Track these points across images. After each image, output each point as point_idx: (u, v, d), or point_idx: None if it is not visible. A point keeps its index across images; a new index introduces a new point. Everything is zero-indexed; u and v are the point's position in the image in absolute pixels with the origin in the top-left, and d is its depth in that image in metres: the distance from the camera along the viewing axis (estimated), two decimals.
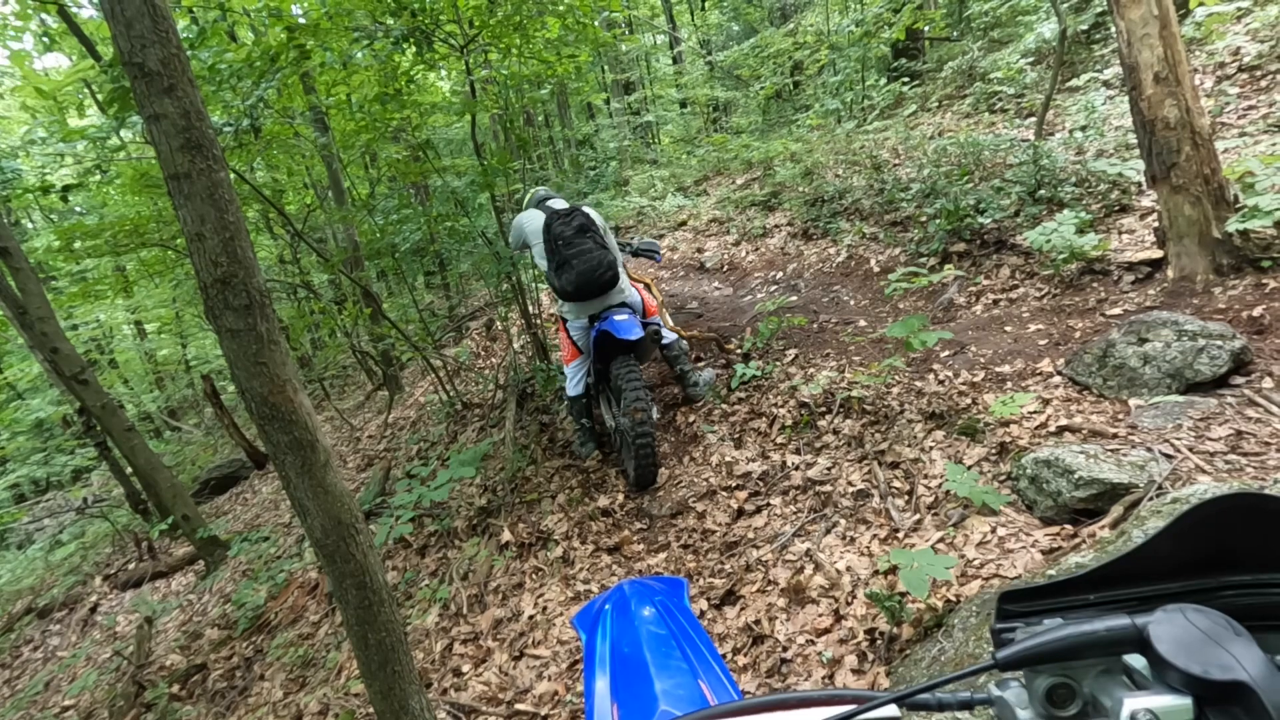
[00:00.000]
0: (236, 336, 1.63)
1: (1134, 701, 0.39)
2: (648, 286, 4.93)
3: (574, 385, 3.72)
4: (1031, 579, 1.89)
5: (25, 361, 9.96)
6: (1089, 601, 0.50)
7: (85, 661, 4.64)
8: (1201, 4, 4.83)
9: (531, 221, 3.61)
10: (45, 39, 6.71)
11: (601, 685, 0.94)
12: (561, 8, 4.40)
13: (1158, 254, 3.38)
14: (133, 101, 3.28)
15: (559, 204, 3.64)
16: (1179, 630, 0.41)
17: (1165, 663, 0.40)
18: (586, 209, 3.55)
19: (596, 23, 5.16)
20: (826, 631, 2.21)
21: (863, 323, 4.22)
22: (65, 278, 9.16)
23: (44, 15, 6.95)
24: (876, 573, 2.31)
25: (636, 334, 3.35)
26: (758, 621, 2.37)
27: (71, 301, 7.42)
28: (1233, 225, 3.00)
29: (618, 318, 3.41)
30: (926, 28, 8.01)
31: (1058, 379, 2.89)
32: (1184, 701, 0.39)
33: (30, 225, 11.84)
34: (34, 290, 4.91)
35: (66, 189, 4.07)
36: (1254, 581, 0.47)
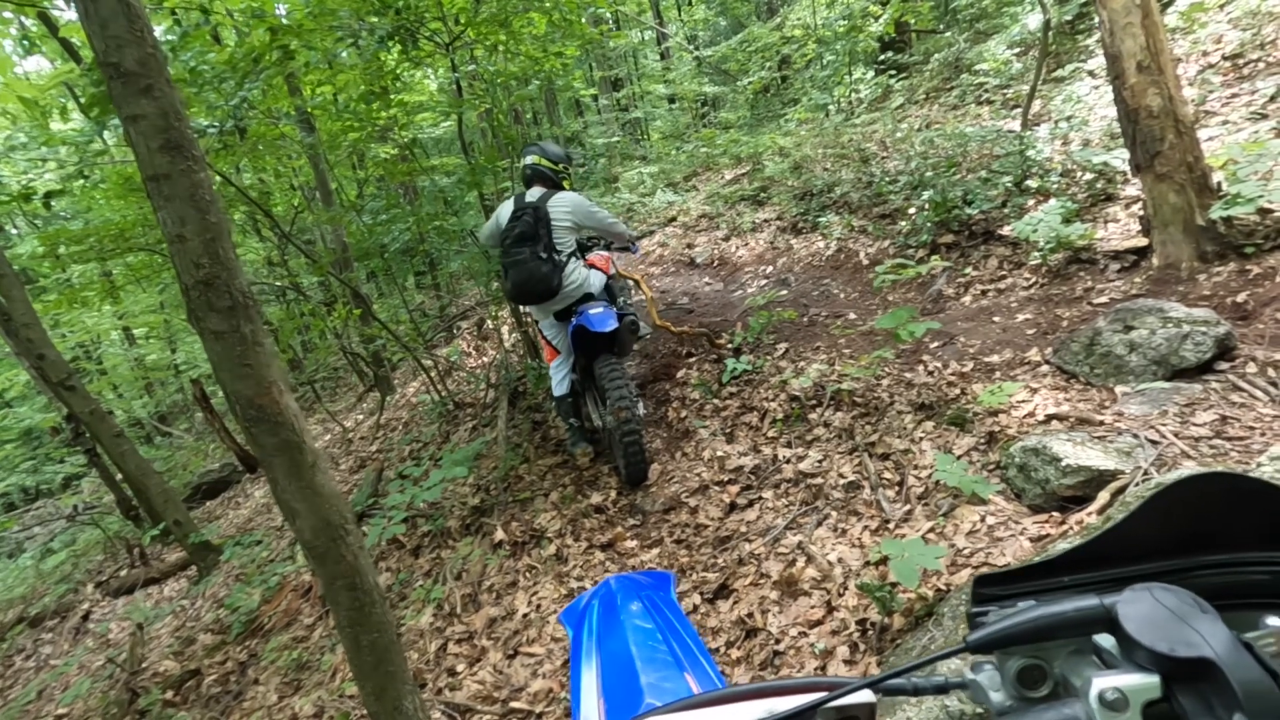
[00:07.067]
0: (220, 339, 1.62)
1: (1102, 680, 0.40)
2: (638, 283, 4.93)
3: (559, 385, 3.69)
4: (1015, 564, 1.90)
5: (13, 370, 9.86)
6: (1063, 584, 0.50)
7: (78, 669, 4.60)
8: None
9: (502, 214, 3.52)
10: (26, 42, 6.64)
11: (588, 680, 0.94)
12: (548, 4, 4.39)
13: (1143, 242, 3.40)
14: (111, 104, 3.25)
15: (535, 191, 3.50)
16: (1146, 609, 0.41)
17: (1133, 641, 0.40)
18: (554, 202, 3.42)
19: (583, 19, 5.15)
20: (819, 623, 2.22)
21: (852, 315, 4.23)
22: (54, 287, 9.08)
23: (24, 18, 6.88)
24: (868, 564, 2.32)
25: (610, 326, 3.30)
26: (750, 615, 2.38)
27: (57, 308, 7.36)
28: (1216, 212, 3.02)
29: (592, 311, 3.35)
30: (913, 20, 8.03)
31: (1045, 368, 2.91)
32: (1151, 679, 0.39)
33: (14, 231, 11.73)
34: (18, 296, 4.86)
35: (49, 195, 4.03)
36: (1225, 561, 0.48)
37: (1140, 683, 0.39)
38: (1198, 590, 0.43)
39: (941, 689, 0.48)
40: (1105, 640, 0.43)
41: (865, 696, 0.49)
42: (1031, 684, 0.44)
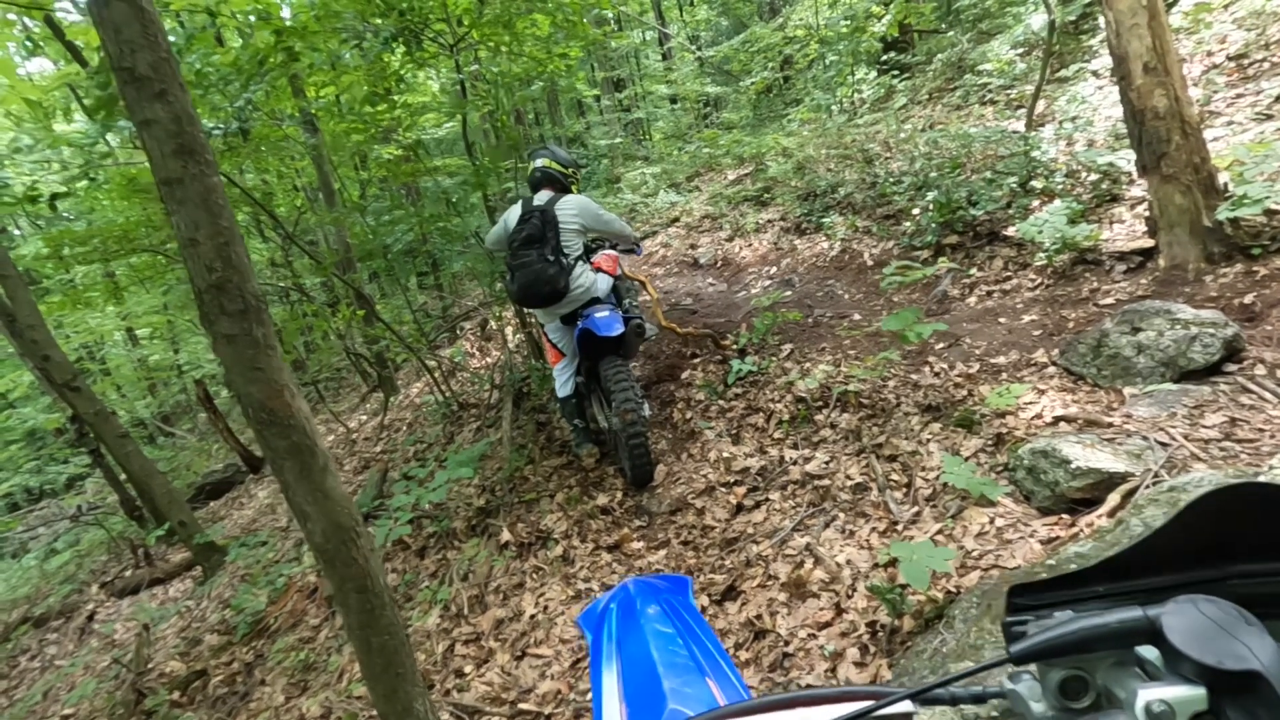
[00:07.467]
0: (232, 342, 1.62)
1: (1148, 692, 0.40)
2: (643, 284, 4.93)
3: (562, 386, 3.69)
4: (1031, 569, 1.90)
5: (17, 371, 9.88)
6: (1098, 594, 0.50)
7: (84, 670, 4.61)
8: None
9: (510, 218, 3.53)
10: (29, 44, 6.65)
11: (609, 684, 0.94)
12: (550, 5, 4.39)
13: (1149, 243, 3.40)
14: (118, 107, 3.25)
15: (542, 195, 3.50)
16: (1191, 621, 0.41)
17: (1178, 653, 0.40)
18: (562, 204, 3.43)
19: (586, 20, 5.14)
20: (828, 625, 2.22)
21: (857, 316, 4.23)
22: (58, 288, 9.08)
23: (27, 20, 6.88)
24: (876, 565, 2.32)
25: (617, 330, 3.31)
26: (759, 616, 2.38)
27: (60, 309, 7.36)
28: (1223, 213, 3.02)
29: (598, 315, 3.35)
30: (916, 21, 8.02)
31: (1052, 369, 2.91)
32: (1198, 691, 0.39)
33: (17, 232, 11.74)
34: (22, 298, 4.86)
35: (54, 197, 4.03)
36: (1261, 570, 0.48)
37: (1187, 695, 0.39)
38: (1235, 600, 0.43)
39: (979, 699, 0.48)
40: (1148, 652, 0.43)
41: (905, 707, 0.49)
42: (1074, 695, 0.44)
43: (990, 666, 0.45)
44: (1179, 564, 0.49)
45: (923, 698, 0.47)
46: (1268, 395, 2.29)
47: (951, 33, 7.84)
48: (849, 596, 2.26)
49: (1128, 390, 2.57)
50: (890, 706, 0.48)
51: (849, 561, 2.40)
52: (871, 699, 0.48)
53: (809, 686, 2.01)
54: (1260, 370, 2.42)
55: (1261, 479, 1.68)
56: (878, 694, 0.49)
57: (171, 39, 4.08)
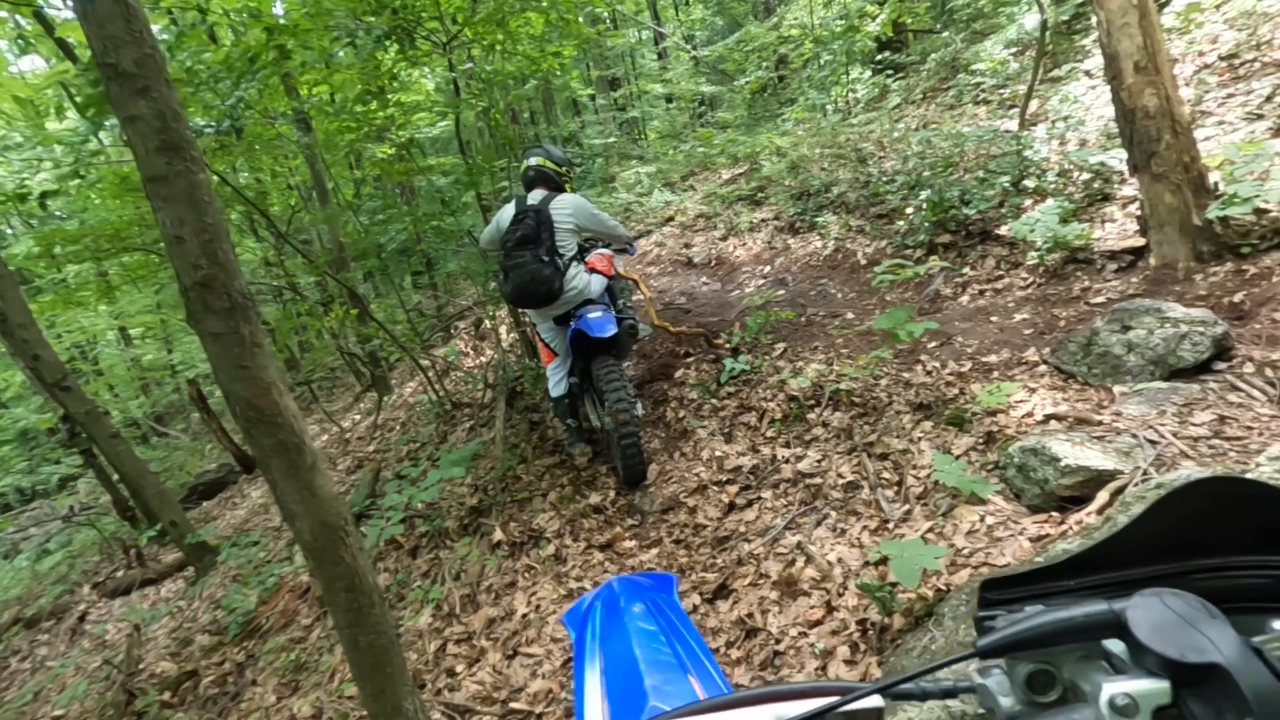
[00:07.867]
0: (219, 340, 1.61)
1: (1112, 686, 0.40)
2: (636, 283, 4.93)
3: (555, 386, 3.68)
4: (1020, 567, 1.90)
5: (9, 370, 9.82)
6: (1068, 588, 0.50)
7: (74, 671, 4.59)
8: None
9: (503, 217, 3.52)
10: (21, 41, 6.62)
11: (591, 682, 0.94)
12: (545, 3, 4.38)
13: (1140, 242, 3.41)
14: (108, 105, 3.24)
15: (536, 194, 3.49)
16: (1156, 614, 0.41)
17: (1142, 647, 0.40)
18: (556, 204, 3.42)
19: (580, 18, 5.13)
20: (819, 623, 2.22)
21: (850, 315, 4.23)
22: (50, 287, 9.04)
23: (19, 18, 6.85)
24: (867, 564, 2.32)
25: (610, 331, 3.30)
26: (750, 615, 2.38)
27: (52, 309, 7.33)
28: (1213, 212, 3.03)
29: (591, 316, 3.34)
30: (910, 20, 8.03)
31: (1043, 368, 2.92)
32: (1161, 684, 0.39)
33: (9, 231, 11.68)
34: (13, 296, 4.83)
35: (44, 195, 4.01)
36: (1229, 564, 0.48)
37: (1150, 688, 0.39)
38: (1202, 594, 0.43)
39: (949, 693, 0.48)
40: (1114, 645, 0.43)
41: (874, 701, 0.49)
42: (1040, 689, 0.44)
43: (957, 660, 0.45)
44: (1149, 558, 0.49)
45: (891, 692, 0.47)
46: (1256, 393, 2.29)
47: (946, 32, 7.85)
48: (840, 595, 2.27)
49: (1118, 388, 2.58)
50: (860, 701, 0.48)
51: (840, 560, 2.40)
52: (841, 694, 0.48)
53: (782, 682, 2.01)
54: (1249, 368, 2.43)
55: (1249, 476, 1.68)
56: (847, 689, 0.48)
57: (164, 36, 4.07)
